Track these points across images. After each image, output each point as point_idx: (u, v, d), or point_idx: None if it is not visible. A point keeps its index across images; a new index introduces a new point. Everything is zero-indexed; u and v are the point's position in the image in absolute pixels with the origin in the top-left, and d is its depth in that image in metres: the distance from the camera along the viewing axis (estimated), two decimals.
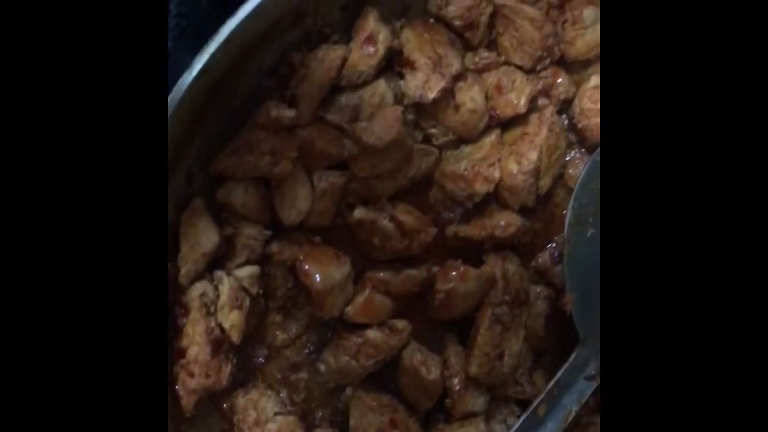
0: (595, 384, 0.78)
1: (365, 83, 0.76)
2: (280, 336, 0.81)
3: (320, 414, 0.82)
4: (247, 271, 0.74)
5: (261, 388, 0.77)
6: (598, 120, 0.83)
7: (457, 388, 0.81)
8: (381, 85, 0.77)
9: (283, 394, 0.80)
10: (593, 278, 0.77)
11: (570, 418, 0.77)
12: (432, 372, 0.79)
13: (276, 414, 0.76)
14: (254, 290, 0.75)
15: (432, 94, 0.75)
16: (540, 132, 0.82)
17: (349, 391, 0.80)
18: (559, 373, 0.77)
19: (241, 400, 0.76)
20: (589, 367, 0.78)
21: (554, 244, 0.87)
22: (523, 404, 0.84)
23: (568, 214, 0.77)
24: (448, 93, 0.77)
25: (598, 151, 0.78)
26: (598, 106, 0.83)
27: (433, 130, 0.81)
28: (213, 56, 0.64)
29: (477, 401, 0.82)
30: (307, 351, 0.82)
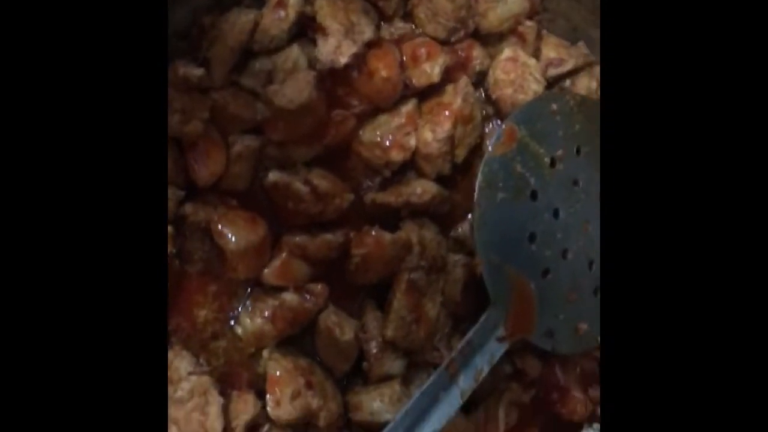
0: (505, 346, 0.80)
1: (278, 49, 0.78)
2: (198, 312, 0.82)
3: (240, 378, 0.83)
4: None
5: (176, 349, 0.78)
6: (510, 90, 0.86)
7: (374, 351, 0.83)
8: (294, 51, 0.79)
9: (202, 358, 0.81)
10: (503, 242, 0.80)
11: (481, 378, 0.79)
12: (346, 333, 0.81)
13: (190, 373, 0.77)
14: (169, 248, 0.76)
15: (344, 59, 0.77)
16: (455, 101, 0.84)
17: (266, 353, 0.81)
18: (470, 334, 0.78)
19: None
20: (499, 329, 0.80)
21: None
22: None
23: (478, 178, 0.79)
24: (360, 59, 0.79)
25: (509, 117, 0.81)
26: (511, 76, 0.86)
27: (351, 99, 0.83)
28: None
29: (394, 364, 0.83)
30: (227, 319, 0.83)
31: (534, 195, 0.81)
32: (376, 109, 0.84)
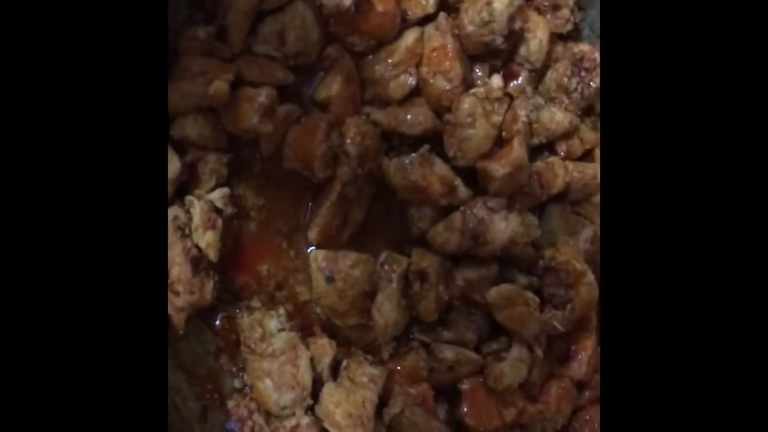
0: None
1: (284, 5, 0.82)
2: (260, 267, 0.87)
3: (311, 319, 0.89)
4: (218, 194, 0.81)
5: (263, 309, 0.85)
6: None
7: None
8: (299, 6, 0.82)
9: (282, 312, 0.86)
10: None
11: None
12: None
13: (279, 330, 0.84)
14: (228, 209, 0.81)
15: (347, 2, 0.81)
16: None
17: None
18: None
19: (246, 319, 0.84)
20: None
21: None
22: None
23: None
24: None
25: None
26: None
27: (353, 38, 0.87)
28: None
29: None
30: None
31: None
32: (378, 45, 0.88)
